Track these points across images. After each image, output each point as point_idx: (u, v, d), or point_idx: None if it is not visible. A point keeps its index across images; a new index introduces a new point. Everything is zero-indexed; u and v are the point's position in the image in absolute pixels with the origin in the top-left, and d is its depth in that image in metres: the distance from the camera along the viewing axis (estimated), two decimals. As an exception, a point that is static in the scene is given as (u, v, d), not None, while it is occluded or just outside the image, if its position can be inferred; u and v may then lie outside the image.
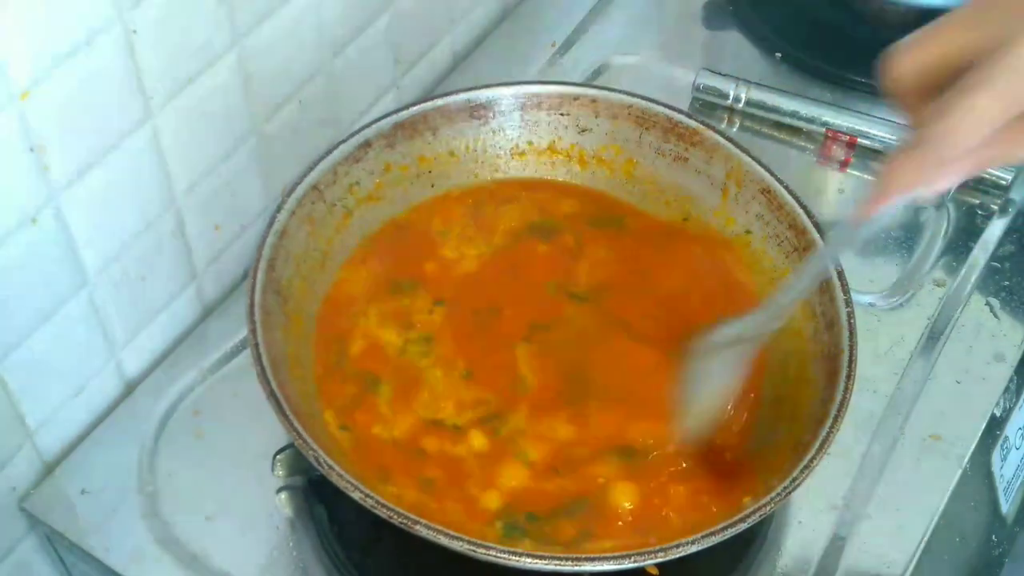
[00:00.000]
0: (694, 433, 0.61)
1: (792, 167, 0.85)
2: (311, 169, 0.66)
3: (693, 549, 0.53)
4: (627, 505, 0.59)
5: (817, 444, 0.57)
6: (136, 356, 0.72)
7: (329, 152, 0.67)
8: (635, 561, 0.53)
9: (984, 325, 0.75)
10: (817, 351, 0.63)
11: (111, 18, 0.57)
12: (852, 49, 0.93)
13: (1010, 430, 0.74)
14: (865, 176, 0.84)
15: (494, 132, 0.73)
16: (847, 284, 0.63)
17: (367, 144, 0.69)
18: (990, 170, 0.82)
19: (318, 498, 0.65)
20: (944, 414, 0.71)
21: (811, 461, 0.56)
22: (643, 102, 0.71)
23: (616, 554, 0.54)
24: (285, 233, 0.64)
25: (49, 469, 0.68)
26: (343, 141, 0.68)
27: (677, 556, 0.53)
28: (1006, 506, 0.75)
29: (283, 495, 0.66)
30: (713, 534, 0.54)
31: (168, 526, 0.65)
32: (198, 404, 0.70)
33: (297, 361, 0.63)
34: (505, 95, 0.72)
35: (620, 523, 0.59)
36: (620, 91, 0.72)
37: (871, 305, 0.76)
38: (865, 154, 0.85)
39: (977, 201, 0.83)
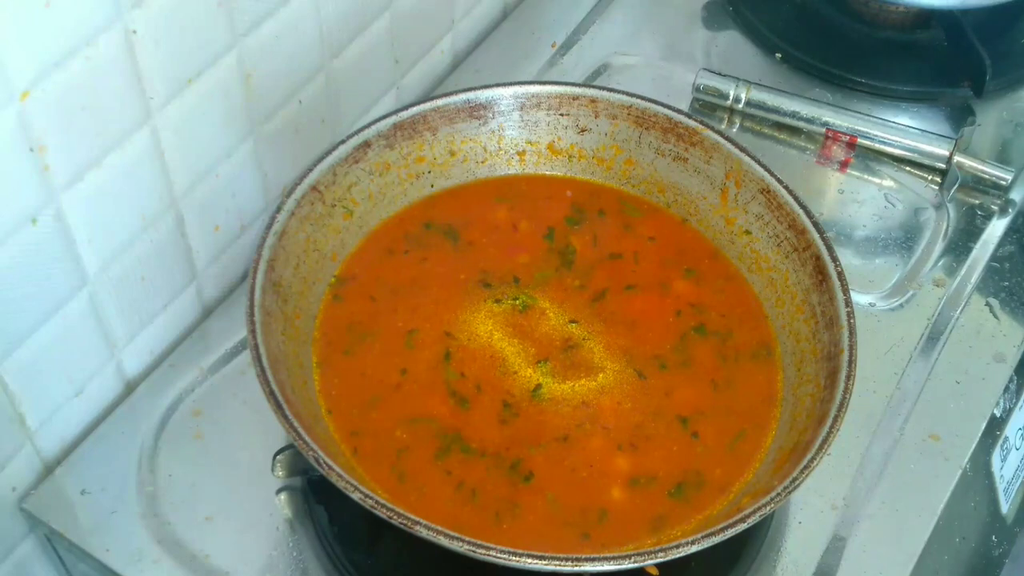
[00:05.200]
0: None
1: (792, 167, 0.85)
2: (311, 169, 0.66)
3: (693, 549, 0.53)
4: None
5: (817, 444, 0.57)
6: (136, 356, 0.72)
7: (329, 152, 0.67)
8: (635, 561, 0.53)
9: (984, 325, 0.75)
10: (817, 351, 0.63)
11: (111, 18, 0.57)
12: (852, 49, 0.93)
13: (1010, 430, 0.74)
14: (865, 176, 0.84)
15: (494, 132, 0.73)
16: (847, 284, 0.63)
17: (367, 144, 0.69)
18: (990, 170, 0.82)
19: (318, 498, 0.65)
20: (944, 414, 0.71)
21: (811, 461, 0.56)
22: (642, 102, 0.71)
23: (616, 554, 0.54)
24: (285, 233, 0.64)
25: (49, 469, 0.67)
26: (343, 141, 0.68)
27: (677, 556, 0.53)
28: (1006, 506, 0.75)
29: (283, 495, 0.66)
30: (713, 534, 0.54)
31: (168, 526, 0.65)
32: (198, 404, 0.70)
33: (297, 361, 0.63)
34: (505, 95, 0.72)
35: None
36: (620, 91, 0.72)
37: (871, 305, 0.76)
38: (865, 154, 0.85)
39: (977, 201, 0.83)
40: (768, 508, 0.54)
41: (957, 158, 0.83)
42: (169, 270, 0.71)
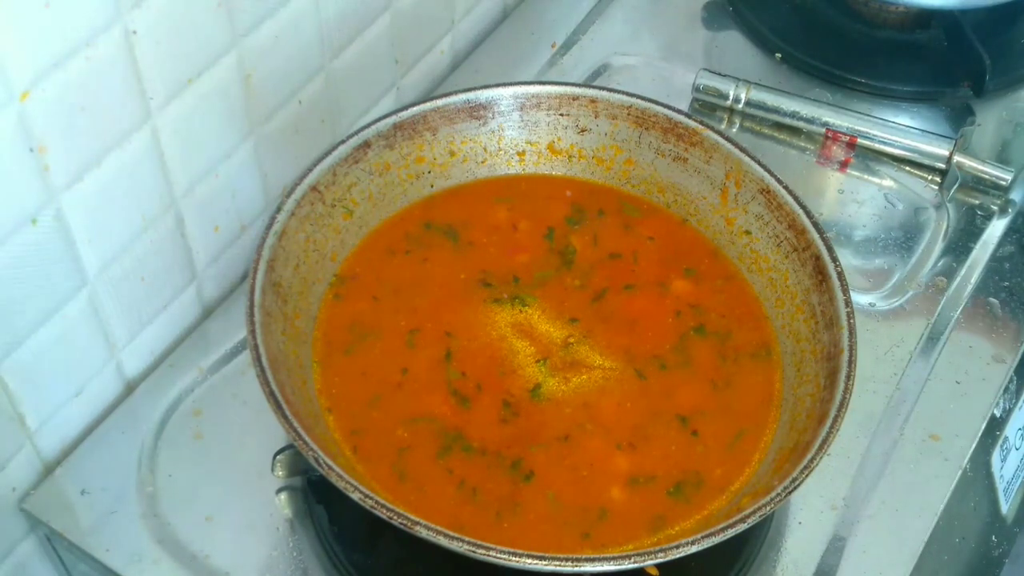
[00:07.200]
0: None
1: (792, 167, 0.85)
2: (311, 170, 0.66)
3: (693, 549, 0.53)
4: None
5: (817, 444, 0.57)
6: (136, 356, 0.72)
7: (329, 153, 0.67)
8: (635, 561, 0.53)
9: (984, 325, 0.75)
10: (817, 351, 0.63)
11: (111, 18, 0.57)
12: (852, 49, 0.93)
13: (1010, 430, 0.74)
14: (865, 176, 0.84)
15: (494, 132, 0.73)
16: (847, 284, 0.63)
17: (366, 145, 0.69)
18: (990, 170, 0.82)
19: (318, 498, 0.65)
20: (944, 414, 0.71)
21: (811, 461, 0.56)
22: (642, 102, 0.71)
23: (616, 554, 0.54)
24: (285, 234, 0.64)
25: (49, 469, 0.67)
26: (342, 142, 0.68)
27: (677, 556, 0.53)
28: (1006, 506, 0.75)
29: (283, 495, 0.66)
30: (713, 534, 0.54)
31: (168, 526, 0.65)
32: (198, 404, 0.70)
33: (297, 361, 0.63)
34: (505, 95, 0.72)
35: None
36: (619, 91, 0.72)
37: (871, 305, 0.76)
38: (865, 154, 0.85)
39: (977, 201, 0.83)
40: (768, 508, 0.54)
41: (957, 158, 0.83)
42: (169, 270, 0.71)
